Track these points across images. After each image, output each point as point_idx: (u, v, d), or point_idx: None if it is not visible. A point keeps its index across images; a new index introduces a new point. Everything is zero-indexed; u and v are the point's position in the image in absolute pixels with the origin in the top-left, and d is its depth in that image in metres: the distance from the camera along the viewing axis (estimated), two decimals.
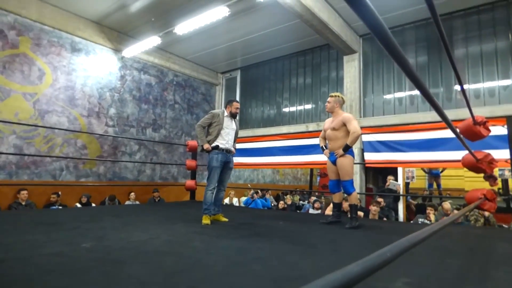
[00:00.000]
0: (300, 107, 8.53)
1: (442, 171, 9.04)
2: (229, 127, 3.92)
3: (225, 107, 4.01)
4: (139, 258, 2.02)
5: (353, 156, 3.67)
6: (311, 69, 8.44)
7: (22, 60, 6.13)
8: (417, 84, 0.81)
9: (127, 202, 7.25)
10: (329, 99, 3.80)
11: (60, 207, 6.03)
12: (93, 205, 6.65)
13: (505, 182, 6.43)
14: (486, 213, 5.50)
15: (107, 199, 6.89)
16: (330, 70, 8.09)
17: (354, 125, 3.52)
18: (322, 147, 3.98)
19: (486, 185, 3.98)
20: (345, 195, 3.83)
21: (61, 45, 6.71)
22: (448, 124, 1.35)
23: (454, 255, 2.32)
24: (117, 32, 7.63)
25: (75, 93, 6.89)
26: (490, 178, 4.20)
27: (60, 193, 6.27)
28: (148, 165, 8.27)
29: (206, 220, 3.61)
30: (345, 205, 4.68)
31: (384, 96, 7.08)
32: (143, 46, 7.30)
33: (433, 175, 8.94)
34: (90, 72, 7.17)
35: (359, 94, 7.22)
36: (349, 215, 3.71)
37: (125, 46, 7.62)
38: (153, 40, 7.04)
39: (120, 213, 4.42)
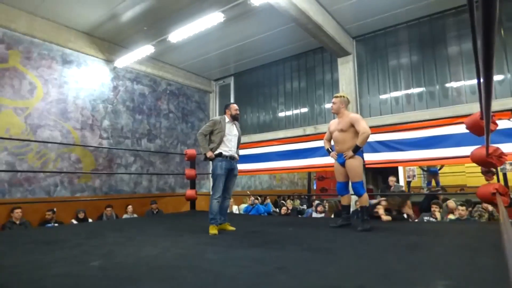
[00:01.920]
0: (296, 111, 8.47)
1: (440, 169, 9.05)
2: (231, 133, 3.85)
3: (224, 113, 3.94)
4: (154, 274, 1.90)
5: (362, 157, 3.61)
6: (305, 73, 8.41)
7: (12, 74, 5.95)
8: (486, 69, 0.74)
9: (124, 216, 7.06)
10: (334, 100, 3.71)
11: (56, 224, 5.83)
12: (90, 220, 6.45)
13: (504, 176, 6.43)
14: (490, 208, 5.48)
15: (104, 212, 6.69)
16: (325, 72, 8.06)
17: (363, 125, 3.44)
18: (327, 149, 3.91)
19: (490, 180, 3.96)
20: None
21: (51, 58, 6.55)
22: (487, 117, 1.29)
23: (482, 253, 2.26)
24: (108, 42, 7.49)
25: (68, 106, 6.71)
26: (489, 172, 4.18)
27: (55, 209, 6.07)
28: (145, 176, 8.10)
29: (213, 230, 3.50)
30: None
31: (380, 96, 7.07)
32: (136, 56, 7.16)
33: (431, 173, 8.92)
34: (82, 84, 7.01)
35: (355, 95, 7.20)
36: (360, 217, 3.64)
37: (117, 56, 7.48)
38: (146, 49, 6.91)
39: (120, 227, 4.28)
